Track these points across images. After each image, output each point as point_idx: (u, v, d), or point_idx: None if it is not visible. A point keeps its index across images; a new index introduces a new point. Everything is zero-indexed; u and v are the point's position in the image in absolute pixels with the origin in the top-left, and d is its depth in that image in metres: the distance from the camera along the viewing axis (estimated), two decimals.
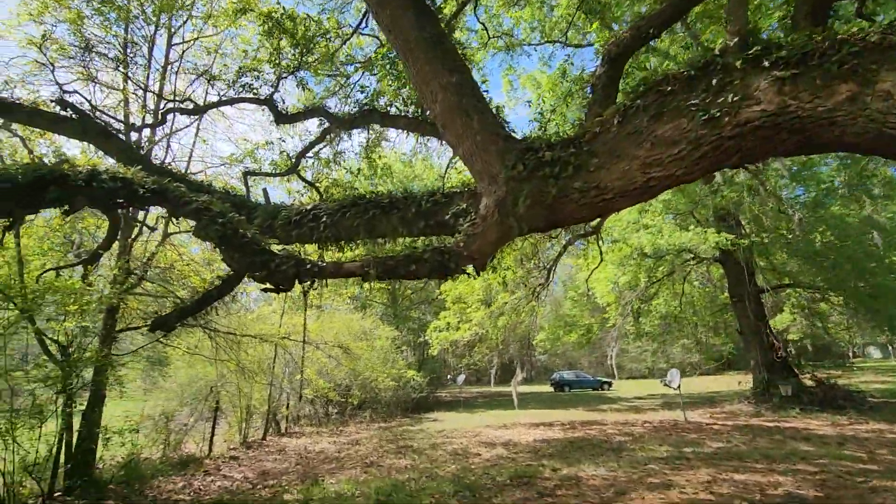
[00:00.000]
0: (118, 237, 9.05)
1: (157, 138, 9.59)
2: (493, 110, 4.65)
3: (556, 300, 32.76)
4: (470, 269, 4.45)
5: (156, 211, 9.67)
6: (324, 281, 4.05)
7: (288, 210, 5.23)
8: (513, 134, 4.49)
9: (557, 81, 9.87)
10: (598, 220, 12.55)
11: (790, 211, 12.55)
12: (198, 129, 10.98)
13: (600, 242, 13.14)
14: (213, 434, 11.24)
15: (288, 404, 15.64)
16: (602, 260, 13.18)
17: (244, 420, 12.88)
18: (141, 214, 9.40)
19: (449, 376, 27.86)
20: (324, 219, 4.93)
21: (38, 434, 7.19)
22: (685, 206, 14.87)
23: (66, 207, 3.40)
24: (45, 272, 8.56)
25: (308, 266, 3.67)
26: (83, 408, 8.30)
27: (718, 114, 3.28)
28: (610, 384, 30.54)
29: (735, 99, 3.24)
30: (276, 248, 4.16)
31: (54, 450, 7.44)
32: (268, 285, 3.83)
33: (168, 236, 10.40)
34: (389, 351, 18.44)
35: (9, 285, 7.47)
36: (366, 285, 16.55)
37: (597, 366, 51.08)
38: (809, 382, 14.80)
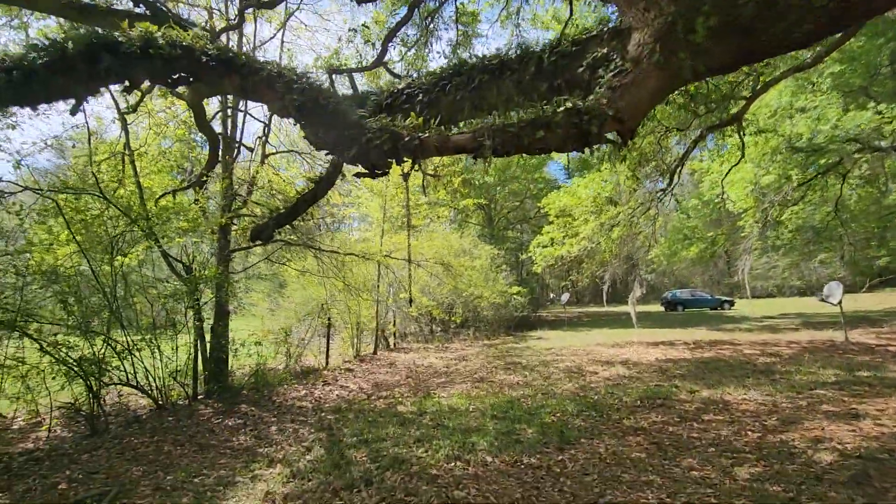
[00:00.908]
0: (219, 160, 9.11)
1: (242, 52, 9.20)
2: None
3: (664, 213, 29.73)
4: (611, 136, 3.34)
5: (254, 130, 9.49)
6: (426, 161, 3.26)
7: (378, 95, 4.40)
8: None
9: None
10: (744, 103, 10.23)
11: None
12: (282, 41, 10.47)
13: (741, 133, 10.82)
14: (328, 348, 11.79)
15: (395, 321, 16.10)
16: (743, 155, 10.89)
17: (356, 335, 13.41)
18: (238, 134, 9.34)
19: (552, 295, 27.15)
20: (419, 97, 4.03)
21: (175, 345, 7.78)
22: (861, 80, 11.59)
23: (126, 84, 2.91)
24: (161, 196, 8.96)
25: (406, 139, 2.84)
26: (211, 322, 8.86)
27: None
28: (731, 303, 27.75)
29: None
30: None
31: (191, 359, 8.06)
32: (360, 169, 3.12)
33: (267, 157, 10.35)
34: (489, 270, 18.00)
35: (131, 208, 7.83)
36: (462, 201, 15.79)
37: (711, 285, 47.18)
38: None
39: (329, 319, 12.15)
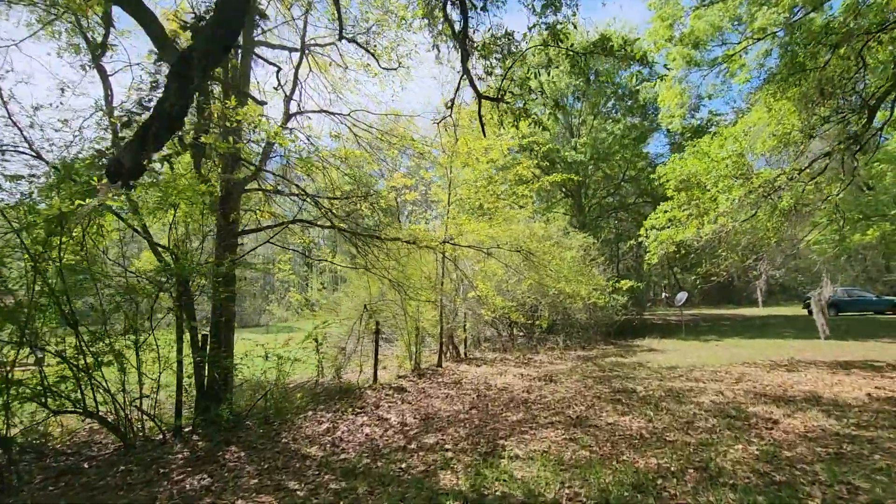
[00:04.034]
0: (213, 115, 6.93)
1: None
2: None
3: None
4: None
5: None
6: None
7: None
8: None
9: None
10: None
11: None
12: None
13: None
14: (375, 360, 9.32)
15: (465, 326, 13.34)
16: None
17: (414, 343, 10.84)
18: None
19: (665, 295, 22.67)
20: None
21: (142, 359, 5.67)
22: None
23: None
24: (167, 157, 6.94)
25: None
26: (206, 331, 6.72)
27: None
28: None
29: None
30: None
31: (165, 380, 5.92)
32: None
33: (292, 117, 8.13)
34: (583, 262, 14.54)
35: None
36: (548, 178, 12.42)
37: (862, 282, 38.72)
38: None
39: (377, 325, 9.67)
